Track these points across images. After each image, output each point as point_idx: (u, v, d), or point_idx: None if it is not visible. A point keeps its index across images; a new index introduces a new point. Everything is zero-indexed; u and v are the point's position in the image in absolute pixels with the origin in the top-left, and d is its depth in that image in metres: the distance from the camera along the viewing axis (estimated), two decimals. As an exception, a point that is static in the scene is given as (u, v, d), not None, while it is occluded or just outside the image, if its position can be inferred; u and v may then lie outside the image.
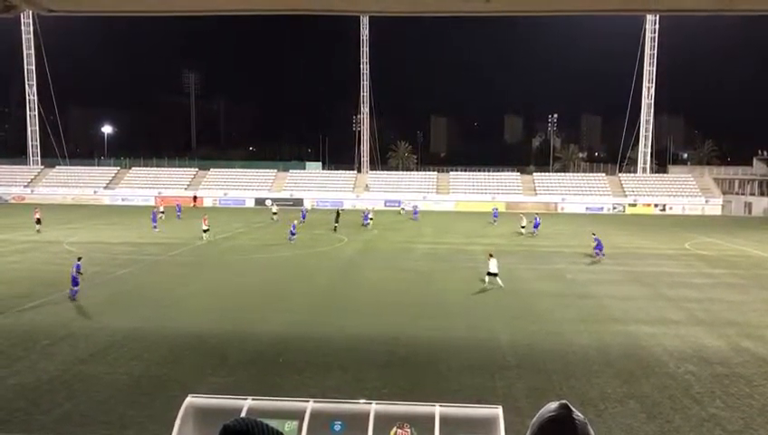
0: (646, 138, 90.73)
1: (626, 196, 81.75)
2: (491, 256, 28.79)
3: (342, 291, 28.31)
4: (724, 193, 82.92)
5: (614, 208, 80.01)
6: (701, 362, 18.84)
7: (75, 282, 25.23)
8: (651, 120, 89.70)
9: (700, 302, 27.00)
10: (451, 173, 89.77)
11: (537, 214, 55.97)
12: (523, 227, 49.23)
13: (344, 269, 33.81)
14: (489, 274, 27.99)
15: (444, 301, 26.39)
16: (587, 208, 78.65)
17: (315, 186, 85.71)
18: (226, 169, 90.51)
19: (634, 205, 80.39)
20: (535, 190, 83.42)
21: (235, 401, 7.97)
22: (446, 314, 24.22)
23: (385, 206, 78.27)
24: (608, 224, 60.23)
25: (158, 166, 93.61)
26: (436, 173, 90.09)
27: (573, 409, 1.90)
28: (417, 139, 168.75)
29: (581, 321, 23.42)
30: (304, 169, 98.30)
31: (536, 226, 49.93)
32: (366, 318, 23.50)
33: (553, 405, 1.93)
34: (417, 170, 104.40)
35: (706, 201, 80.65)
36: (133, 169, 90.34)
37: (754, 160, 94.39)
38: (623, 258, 38.60)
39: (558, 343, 20.63)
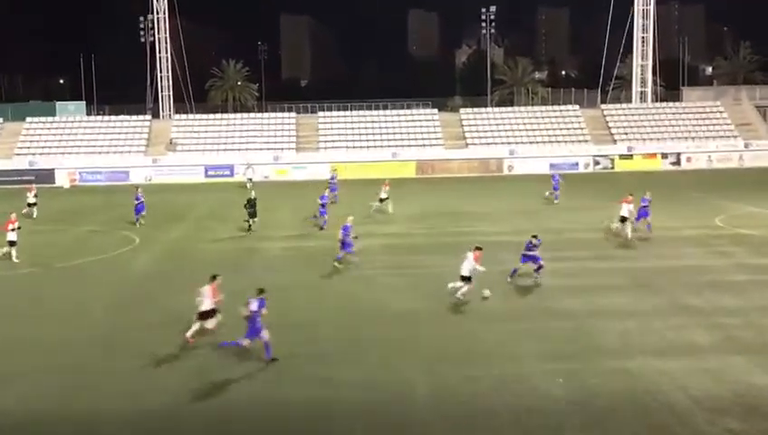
0: (644, 42, 72.05)
1: (615, 142, 66.13)
2: (478, 248, 23.61)
3: (131, 332, 21.58)
4: (774, 130, 76.50)
5: (596, 164, 63.92)
6: (749, 414, 15.37)
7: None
8: (652, 12, 71.12)
9: (737, 315, 22.17)
10: (320, 114, 71.09)
11: (558, 174, 48.84)
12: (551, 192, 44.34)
13: (133, 294, 26.29)
14: (462, 277, 23.09)
15: (320, 336, 20.86)
16: (551, 166, 61.03)
17: (77, 146, 65.86)
18: None
19: (629, 156, 63.84)
20: (465, 139, 67.07)
21: None
22: (325, 357, 19.23)
23: (206, 176, 61.91)
24: (588, 189, 50.64)
25: None
26: (294, 115, 71.15)
27: None
28: (258, 55, 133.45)
29: (552, 357, 19.07)
30: (54, 115, 74.80)
31: (556, 187, 44.55)
32: (177, 375, 17.95)
33: None
34: (259, 111, 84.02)
35: (746, 145, 64.93)
36: None
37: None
38: (610, 247, 32.52)
39: (516, 395, 16.44)
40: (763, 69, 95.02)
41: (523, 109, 76.08)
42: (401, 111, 72.55)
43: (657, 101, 74.35)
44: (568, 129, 67.32)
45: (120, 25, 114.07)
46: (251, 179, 56.72)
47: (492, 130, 67.48)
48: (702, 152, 63.62)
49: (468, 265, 23.93)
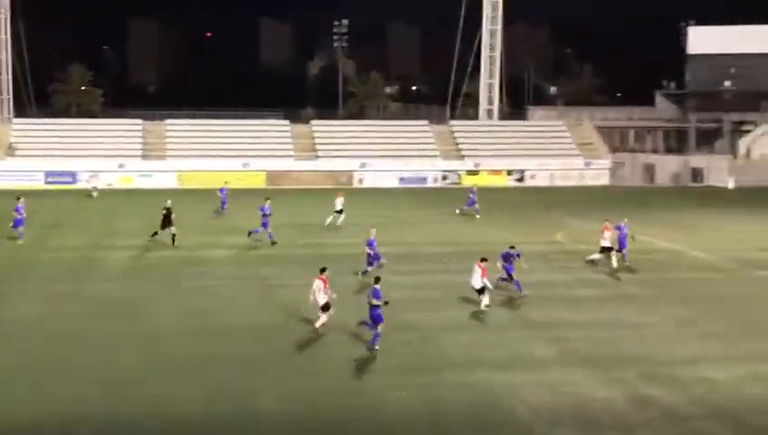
0: (491, 61, 73.30)
1: (462, 157, 66.75)
2: (483, 259, 24.13)
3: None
4: (613, 150, 71.55)
5: (444, 179, 64.81)
6: (586, 426, 15.72)
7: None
8: (500, 32, 72.27)
9: (576, 328, 22.45)
10: (168, 121, 69.60)
11: (474, 185, 49.45)
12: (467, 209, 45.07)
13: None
14: (476, 290, 23.92)
15: (163, 351, 20.32)
16: (401, 180, 63.40)
17: None
18: None
19: (475, 172, 64.35)
20: (315, 150, 66.59)
21: None
22: (166, 372, 18.70)
23: (46, 183, 59.88)
24: (436, 203, 50.59)
25: None
26: (140, 121, 69.09)
27: None
28: (104, 59, 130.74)
29: (398, 370, 18.98)
30: None
31: (472, 202, 45.13)
32: (19, 389, 17.07)
33: None
34: (105, 116, 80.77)
35: (587, 164, 66.90)
36: None
37: (657, 97, 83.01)
38: (453, 262, 31.88)
39: (361, 409, 16.23)
40: (602, 91, 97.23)
41: (373, 122, 76.17)
42: (252, 121, 71.85)
43: (503, 118, 74.66)
44: (417, 143, 68.22)
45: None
46: (96, 187, 55.53)
47: (343, 143, 67.54)
48: (545, 170, 64.99)
49: (477, 277, 24.04)
